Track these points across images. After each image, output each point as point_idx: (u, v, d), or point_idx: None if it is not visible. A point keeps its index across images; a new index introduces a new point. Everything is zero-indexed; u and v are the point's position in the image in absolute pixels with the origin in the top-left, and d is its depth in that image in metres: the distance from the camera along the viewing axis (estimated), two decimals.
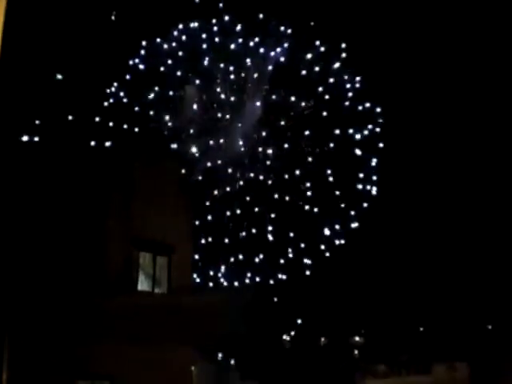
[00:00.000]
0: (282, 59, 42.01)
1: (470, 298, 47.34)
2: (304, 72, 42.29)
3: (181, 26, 41.45)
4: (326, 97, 42.59)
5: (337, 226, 43.02)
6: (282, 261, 43.50)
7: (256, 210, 41.63)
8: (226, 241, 41.20)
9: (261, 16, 41.64)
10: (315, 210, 42.43)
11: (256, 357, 48.60)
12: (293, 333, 50.56)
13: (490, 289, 46.80)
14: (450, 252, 47.17)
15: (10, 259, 17.78)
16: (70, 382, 17.55)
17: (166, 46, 40.94)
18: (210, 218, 40.55)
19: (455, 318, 47.94)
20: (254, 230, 41.72)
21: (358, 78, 42.81)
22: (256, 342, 46.09)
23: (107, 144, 34.17)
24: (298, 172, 41.76)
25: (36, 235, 18.23)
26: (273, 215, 42.01)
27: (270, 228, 42.01)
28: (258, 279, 41.87)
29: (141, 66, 40.64)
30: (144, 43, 40.59)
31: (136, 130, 39.07)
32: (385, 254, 46.52)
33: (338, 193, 42.60)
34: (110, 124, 38.25)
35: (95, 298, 17.71)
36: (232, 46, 41.16)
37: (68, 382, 17.49)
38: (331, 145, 42.31)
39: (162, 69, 40.70)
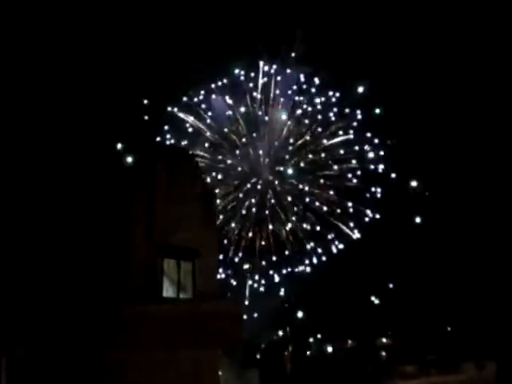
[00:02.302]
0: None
1: (497, 297, 46.89)
2: None
3: None
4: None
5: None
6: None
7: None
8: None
9: None
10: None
11: (279, 360, 48.44)
12: (319, 336, 50.31)
13: None
14: (477, 252, 46.86)
15: (34, 266, 17.79)
16: None
17: None
18: None
19: (482, 316, 47.45)
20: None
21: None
22: (281, 345, 45.91)
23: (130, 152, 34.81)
24: None
25: (62, 242, 18.24)
26: None
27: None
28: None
29: None
30: None
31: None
32: (409, 253, 46.28)
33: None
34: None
35: (120, 305, 17.66)
36: None
37: None
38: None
39: None
